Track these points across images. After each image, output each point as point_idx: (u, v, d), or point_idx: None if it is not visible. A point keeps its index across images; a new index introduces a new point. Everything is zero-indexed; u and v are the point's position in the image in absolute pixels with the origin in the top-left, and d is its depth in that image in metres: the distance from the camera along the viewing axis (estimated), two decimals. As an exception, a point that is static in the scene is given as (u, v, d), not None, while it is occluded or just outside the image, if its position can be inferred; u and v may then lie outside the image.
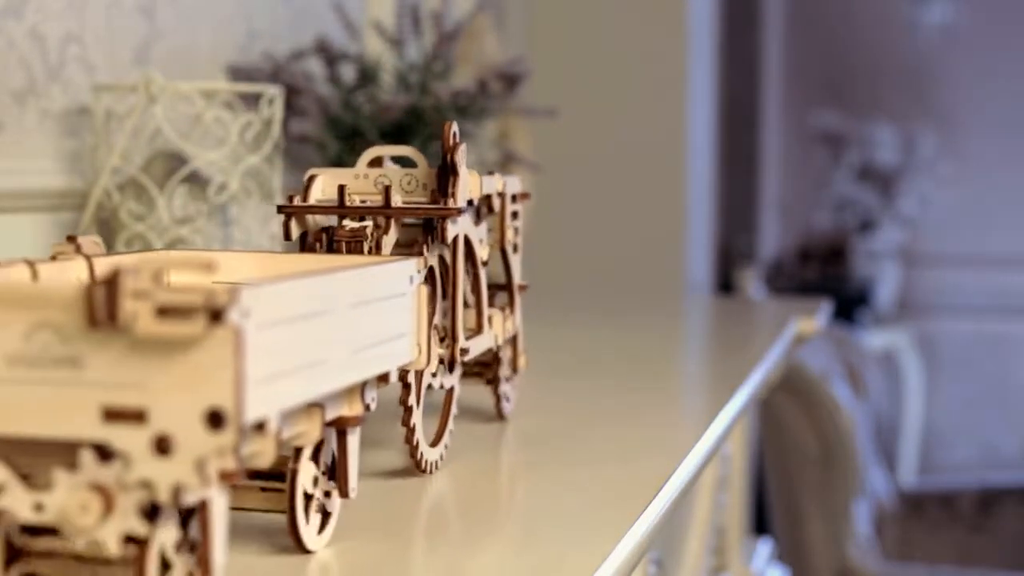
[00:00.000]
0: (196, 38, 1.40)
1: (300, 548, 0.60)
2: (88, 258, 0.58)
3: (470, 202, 0.81)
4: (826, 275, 4.19)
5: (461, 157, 0.77)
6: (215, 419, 0.45)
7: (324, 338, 0.54)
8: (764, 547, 1.80)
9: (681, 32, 2.78)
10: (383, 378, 0.63)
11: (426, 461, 0.75)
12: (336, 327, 0.55)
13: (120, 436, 0.46)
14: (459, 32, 1.45)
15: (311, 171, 0.78)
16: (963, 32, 4.26)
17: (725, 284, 3.67)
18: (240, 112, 1.22)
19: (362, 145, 1.42)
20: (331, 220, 0.77)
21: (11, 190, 1.14)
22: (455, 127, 0.78)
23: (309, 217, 0.76)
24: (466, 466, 0.79)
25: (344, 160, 1.42)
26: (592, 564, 0.59)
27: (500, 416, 0.92)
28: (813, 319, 1.55)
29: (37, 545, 0.50)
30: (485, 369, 0.91)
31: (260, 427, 0.49)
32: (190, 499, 0.47)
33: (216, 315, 0.44)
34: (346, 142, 1.42)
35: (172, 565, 0.49)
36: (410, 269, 0.64)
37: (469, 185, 0.80)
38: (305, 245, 0.75)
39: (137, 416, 0.46)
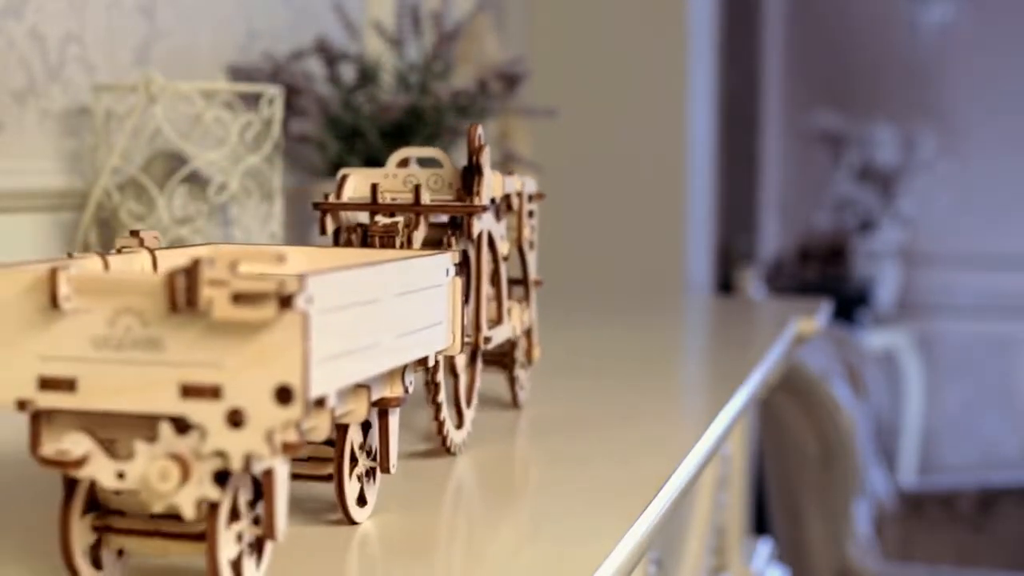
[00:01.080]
0: (196, 38, 1.40)
1: (347, 519, 0.65)
2: (151, 251, 0.62)
3: (492, 200, 0.85)
4: (826, 275, 4.20)
5: (486, 158, 0.82)
6: (284, 395, 0.49)
7: (374, 324, 0.58)
8: (764, 547, 1.80)
9: (681, 32, 2.78)
10: (422, 362, 0.68)
11: (452, 443, 0.81)
12: (384, 314, 0.60)
13: (197, 410, 0.50)
14: (459, 32, 1.45)
15: (343, 171, 0.82)
16: (963, 32, 4.26)
17: (725, 284, 3.67)
18: (240, 112, 1.22)
19: (362, 145, 1.42)
20: (359, 216, 0.82)
21: (11, 190, 1.14)
22: (481, 130, 0.82)
23: (342, 214, 0.81)
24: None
25: (344, 160, 1.42)
26: (592, 564, 0.59)
27: (515, 403, 0.97)
28: (813, 319, 1.55)
29: (117, 520, 0.55)
30: (502, 359, 0.96)
31: (319, 403, 0.53)
32: (258, 468, 0.51)
33: (286, 301, 0.49)
34: (346, 142, 1.42)
35: (240, 529, 0.53)
36: (447, 262, 0.69)
37: (492, 184, 0.85)
38: (338, 240, 0.80)
39: (213, 392, 0.50)
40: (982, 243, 4.25)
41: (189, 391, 0.50)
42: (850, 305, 3.80)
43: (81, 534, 0.54)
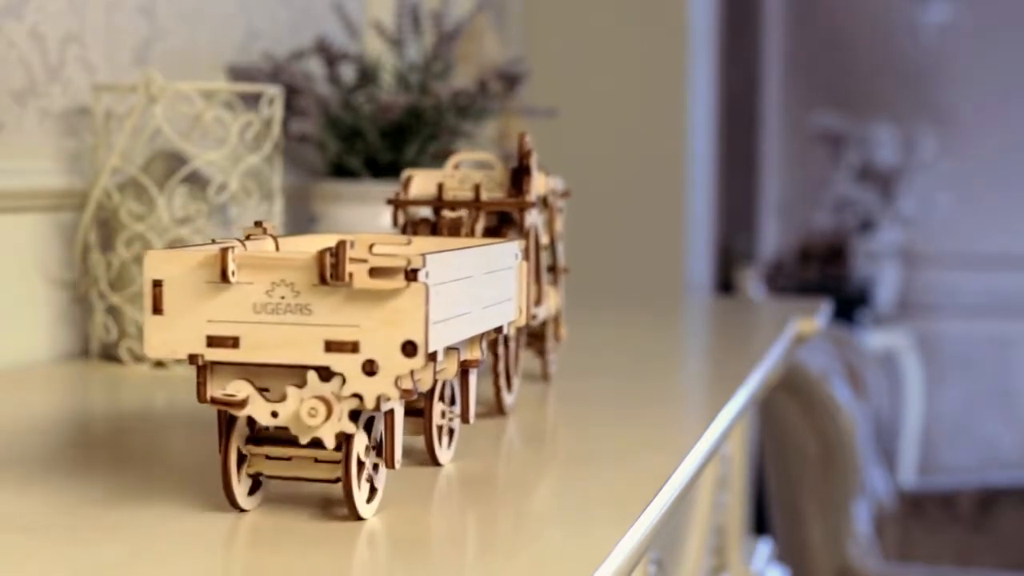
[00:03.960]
0: (196, 38, 1.40)
1: (433, 462, 0.78)
2: (274, 238, 0.73)
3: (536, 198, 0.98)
4: (826, 275, 4.19)
5: (534, 161, 0.94)
6: (409, 348, 0.62)
7: (467, 296, 0.70)
8: (764, 547, 1.80)
9: (681, 32, 2.78)
10: (496, 331, 0.79)
11: (505, 405, 0.93)
12: (474, 288, 0.71)
13: (338, 362, 0.62)
14: (459, 32, 1.45)
15: (407, 172, 0.95)
16: (963, 32, 4.25)
17: (725, 284, 3.67)
18: (240, 112, 1.22)
19: (362, 145, 1.42)
20: (420, 211, 0.95)
21: (11, 190, 1.14)
22: (529, 136, 0.95)
23: (409, 208, 0.94)
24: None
25: (344, 160, 1.42)
26: (592, 564, 0.59)
27: (545, 377, 1.07)
28: (813, 319, 1.55)
29: (259, 451, 0.66)
30: (533, 338, 1.07)
31: (431, 358, 0.64)
32: (386, 407, 0.64)
33: (411, 274, 0.61)
34: (346, 142, 1.42)
35: (364, 460, 0.65)
36: (516, 248, 0.81)
37: (538, 184, 0.98)
38: (405, 231, 0.93)
39: (352, 347, 0.62)
40: (982, 243, 4.25)
41: (332, 346, 0.62)
42: (850, 305, 3.80)
43: (236, 464, 0.65)
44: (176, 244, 1.16)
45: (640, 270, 2.76)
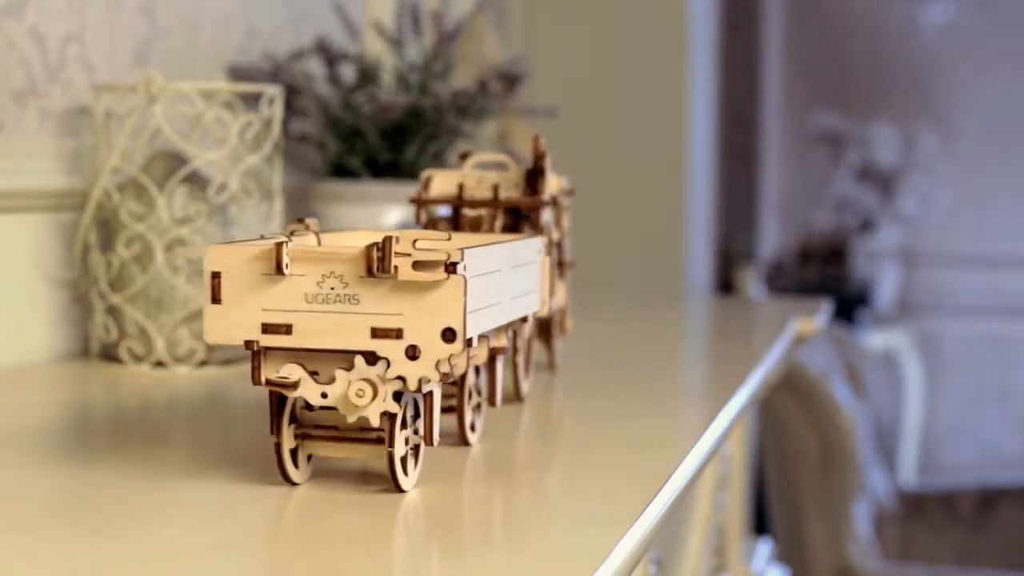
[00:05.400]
0: (196, 38, 1.40)
1: (463, 442, 0.83)
2: (316, 233, 0.78)
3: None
4: (826, 275, 4.19)
5: (548, 162, 0.99)
6: (449, 335, 0.67)
7: (498, 288, 0.76)
8: (764, 547, 1.80)
9: (681, 32, 2.78)
10: (522, 320, 0.85)
11: (523, 392, 0.98)
12: (503, 281, 0.77)
13: (383, 347, 0.68)
14: (459, 32, 1.45)
15: (427, 172, 1.00)
16: (963, 32, 4.25)
17: (725, 284, 3.67)
18: (240, 112, 1.22)
19: (362, 145, 1.42)
20: (438, 210, 1.00)
21: (11, 190, 1.14)
22: (543, 139, 1.00)
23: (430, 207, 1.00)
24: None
25: (344, 160, 1.42)
26: (592, 564, 0.59)
27: (551, 366, 1.12)
28: (813, 319, 1.55)
29: (313, 432, 0.72)
30: (540, 329, 1.11)
31: (467, 344, 0.69)
32: (426, 389, 0.70)
33: (451, 267, 0.67)
34: (346, 142, 1.42)
35: (408, 437, 0.71)
36: (539, 244, 0.87)
37: (551, 183, 1.04)
38: (426, 228, 0.98)
39: (396, 333, 0.67)
40: (982, 243, 4.25)
41: (378, 333, 0.67)
42: (850, 305, 3.79)
43: (288, 441, 0.71)
44: (176, 244, 1.16)
45: (640, 270, 2.76)
